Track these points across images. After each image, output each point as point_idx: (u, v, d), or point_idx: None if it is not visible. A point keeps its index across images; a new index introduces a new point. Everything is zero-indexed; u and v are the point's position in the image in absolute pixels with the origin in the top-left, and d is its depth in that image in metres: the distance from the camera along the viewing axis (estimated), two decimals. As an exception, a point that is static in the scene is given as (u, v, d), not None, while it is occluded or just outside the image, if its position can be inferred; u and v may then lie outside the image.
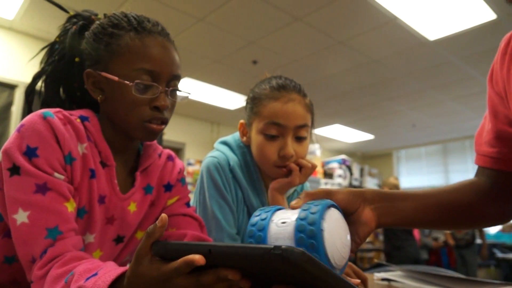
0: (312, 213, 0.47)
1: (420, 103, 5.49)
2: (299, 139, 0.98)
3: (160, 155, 0.91)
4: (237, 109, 5.73)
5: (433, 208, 0.67)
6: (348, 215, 0.58)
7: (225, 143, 1.09)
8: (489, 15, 3.21)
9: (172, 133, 5.72)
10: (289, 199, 1.11)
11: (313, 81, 4.72)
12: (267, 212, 0.51)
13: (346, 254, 0.49)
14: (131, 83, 0.73)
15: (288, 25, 3.46)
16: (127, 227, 0.83)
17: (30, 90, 0.85)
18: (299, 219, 0.47)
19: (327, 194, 0.58)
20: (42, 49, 0.88)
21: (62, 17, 0.89)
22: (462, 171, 7.24)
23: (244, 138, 1.06)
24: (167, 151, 0.95)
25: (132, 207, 0.82)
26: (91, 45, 0.78)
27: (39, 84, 0.86)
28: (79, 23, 0.84)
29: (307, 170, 0.98)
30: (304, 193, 0.56)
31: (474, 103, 5.43)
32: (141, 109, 0.75)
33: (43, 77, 0.85)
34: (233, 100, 5.40)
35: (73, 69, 0.83)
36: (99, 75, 0.76)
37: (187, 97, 0.85)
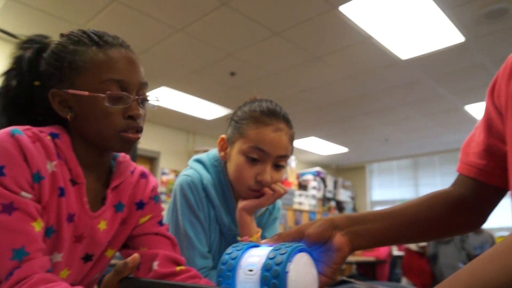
0: (277, 264, 0.46)
1: (392, 118, 5.65)
2: (278, 167, 1.01)
3: (133, 172, 0.90)
4: (213, 120, 5.71)
5: (404, 225, 0.68)
6: (322, 245, 0.61)
7: (199, 161, 1.09)
8: (458, 37, 3.36)
9: (146, 141, 5.63)
10: (262, 216, 1.13)
11: (290, 95, 4.79)
12: (233, 260, 0.50)
13: None
14: (103, 95, 0.73)
15: (266, 39, 3.50)
16: (97, 245, 0.81)
17: None
18: (264, 269, 0.46)
19: (299, 232, 0.60)
20: None
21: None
22: (431, 184, 7.44)
23: (222, 153, 1.06)
24: (141, 168, 0.94)
25: (102, 225, 0.81)
26: (53, 65, 0.77)
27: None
28: (34, 46, 0.82)
29: (278, 195, 1.00)
30: (276, 236, 0.59)
31: (443, 120, 5.64)
32: (115, 120, 0.75)
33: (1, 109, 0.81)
34: (209, 111, 5.38)
35: (34, 93, 0.81)
36: (66, 93, 0.76)
37: (157, 105, 0.85)
